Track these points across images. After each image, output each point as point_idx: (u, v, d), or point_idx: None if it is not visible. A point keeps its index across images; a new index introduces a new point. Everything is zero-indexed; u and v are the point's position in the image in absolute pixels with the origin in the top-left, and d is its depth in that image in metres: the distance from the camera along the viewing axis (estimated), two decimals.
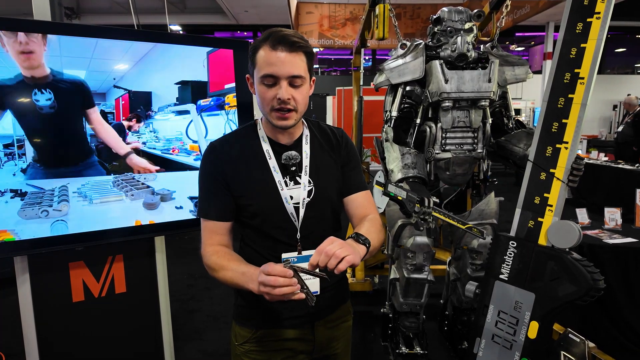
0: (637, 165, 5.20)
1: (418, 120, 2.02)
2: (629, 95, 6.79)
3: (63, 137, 1.58)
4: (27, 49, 1.44)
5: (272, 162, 1.07)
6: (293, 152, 1.08)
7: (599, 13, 1.40)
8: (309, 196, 1.08)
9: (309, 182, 1.09)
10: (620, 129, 6.61)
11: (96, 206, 1.66)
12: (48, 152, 1.56)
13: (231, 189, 1.06)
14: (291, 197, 1.07)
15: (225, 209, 1.07)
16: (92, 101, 1.61)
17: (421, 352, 2.11)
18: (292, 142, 1.11)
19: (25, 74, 1.47)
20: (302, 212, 1.07)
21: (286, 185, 1.07)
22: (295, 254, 1.06)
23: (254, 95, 1.06)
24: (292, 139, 1.11)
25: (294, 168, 1.08)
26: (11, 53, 1.44)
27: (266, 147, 1.09)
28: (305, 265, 0.90)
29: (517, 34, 12.51)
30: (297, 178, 1.08)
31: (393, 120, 2.04)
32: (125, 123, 1.72)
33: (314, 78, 1.08)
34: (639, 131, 6.27)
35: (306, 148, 1.11)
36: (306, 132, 1.14)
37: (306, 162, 1.10)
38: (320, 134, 1.16)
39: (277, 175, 1.06)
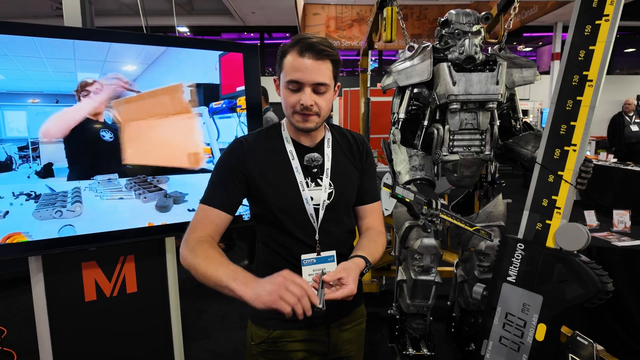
0: None
1: (425, 123, 2.02)
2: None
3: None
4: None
5: (295, 163, 1.08)
6: (315, 154, 1.09)
7: (607, 15, 1.39)
8: (328, 198, 1.09)
9: (330, 185, 1.10)
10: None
11: (109, 207, 1.69)
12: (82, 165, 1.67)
13: (251, 184, 1.06)
14: (311, 198, 1.07)
15: (230, 201, 1.06)
16: None
17: (428, 353, 2.11)
18: (315, 144, 1.12)
19: (91, 117, 1.65)
20: (321, 213, 1.08)
21: (307, 186, 1.08)
22: (314, 254, 1.07)
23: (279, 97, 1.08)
24: (314, 141, 1.12)
25: (315, 170, 1.09)
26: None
27: (289, 147, 1.10)
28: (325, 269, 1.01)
29: (524, 35, 12.43)
30: (319, 180, 1.09)
31: (400, 123, 2.04)
32: None
33: (339, 83, 1.09)
34: (612, 133, 6.85)
35: (328, 151, 1.12)
36: (328, 135, 1.15)
37: (328, 164, 1.11)
38: (341, 139, 1.18)
39: (299, 176, 1.07)
